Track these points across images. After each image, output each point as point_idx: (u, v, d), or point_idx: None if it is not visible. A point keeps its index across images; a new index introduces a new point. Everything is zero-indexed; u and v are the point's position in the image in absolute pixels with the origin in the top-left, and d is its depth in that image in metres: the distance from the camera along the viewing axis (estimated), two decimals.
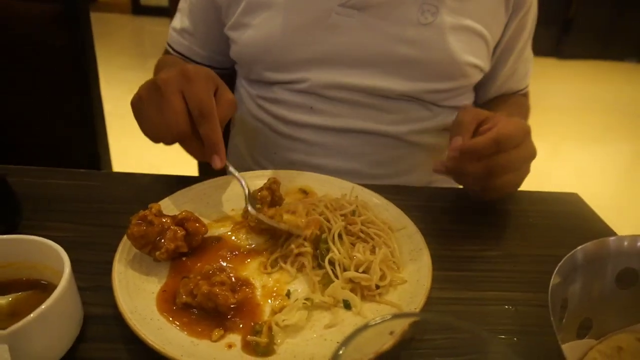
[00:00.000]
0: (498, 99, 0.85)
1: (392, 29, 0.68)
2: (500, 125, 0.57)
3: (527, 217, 0.69)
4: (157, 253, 0.51)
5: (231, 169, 0.60)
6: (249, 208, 0.56)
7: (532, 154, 0.61)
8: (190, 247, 0.54)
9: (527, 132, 0.60)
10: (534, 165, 0.62)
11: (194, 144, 0.56)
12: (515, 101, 0.85)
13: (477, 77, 0.75)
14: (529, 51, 0.82)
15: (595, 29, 4.21)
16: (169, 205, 0.60)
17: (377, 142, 0.75)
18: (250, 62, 0.75)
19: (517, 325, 0.51)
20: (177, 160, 1.10)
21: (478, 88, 0.83)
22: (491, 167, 0.57)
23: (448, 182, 0.74)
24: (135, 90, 0.57)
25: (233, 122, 0.88)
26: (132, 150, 1.72)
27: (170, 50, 0.83)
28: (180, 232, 0.52)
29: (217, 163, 0.55)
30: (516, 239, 0.64)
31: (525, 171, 0.61)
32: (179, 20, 0.81)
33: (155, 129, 0.55)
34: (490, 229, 0.65)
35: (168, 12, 0.81)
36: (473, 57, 0.71)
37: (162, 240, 0.52)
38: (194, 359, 0.41)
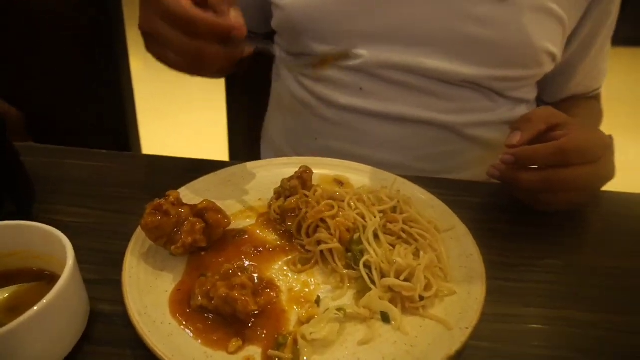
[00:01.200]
0: (571, 101, 0.75)
1: (462, 4, 0.60)
2: (573, 135, 0.50)
3: (603, 221, 0.59)
4: (173, 247, 0.46)
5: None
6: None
7: (607, 175, 0.53)
8: (209, 241, 0.48)
9: (606, 147, 0.52)
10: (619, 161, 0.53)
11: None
12: (590, 106, 0.76)
13: (550, 66, 0.66)
14: (608, 46, 0.73)
15: None
16: (188, 194, 0.54)
17: (430, 133, 0.67)
18: (297, 31, 0.67)
19: (587, 352, 0.42)
20: (208, 145, 1.05)
21: (552, 84, 0.74)
22: (550, 181, 0.50)
23: None
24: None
25: (270, 103, 0.81)
26: (162, 133, 1.69)
27: None
28: (200, 225, 0.47)
29: (238, 32, 0.45)
30: (588, 246, 0.55)
31: (594, 192, 0.54)
32: None
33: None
34: (557, 233, 0.56)
35: None
36: (551, 44, 0.63)
37: (179, 233, 0.46)
38: None
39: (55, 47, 0.81)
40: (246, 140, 0.84)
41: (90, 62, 0.82)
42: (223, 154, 1.00)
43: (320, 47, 0.65)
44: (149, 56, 0.50)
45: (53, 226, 0.41)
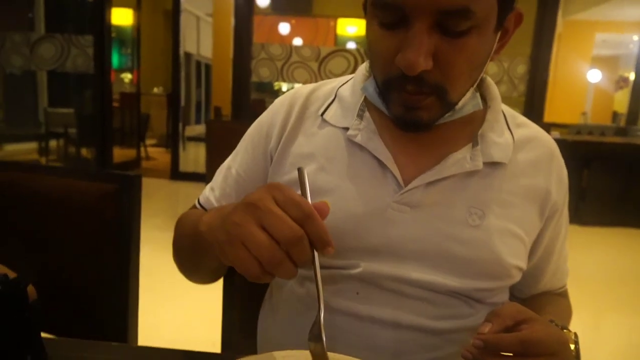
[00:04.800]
0: (542, 298, 0.85)
1: (442, 227, 0.70)
2: (534, 329, 0.58)
3: None
4: None
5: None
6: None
7: None
8: None
9: (562, 344, 0.60)
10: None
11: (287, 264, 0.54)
12: (558, 302, 0.85)
13: (518, 277, 0.76)
14: (566, 250, 0.85)
15: (607, 198, 4.71)
16: None
17: (420, 339, 0.73)
18: None
19: None
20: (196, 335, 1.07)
21: (522, 286, 0.83)
22: None
23: None
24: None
25: (267, 303, 0.87)
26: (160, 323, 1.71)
27: (201, 208, 0.83)
28: None
29: (331, 250, 0.55)
30: None
31: None
32: (216, 185, 0.82)
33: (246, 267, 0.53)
34: None
35: (202, 177, 0.88)
36: (517, 260, 0.73)
37: None
38: None
39: (69, 237, 0.88)
40: (242, 326, 0.93)
41: (100, 259, 0.89)
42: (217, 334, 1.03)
43: (323, 259, 0.69)
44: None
45: None
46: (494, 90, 0.77)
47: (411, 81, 0.61)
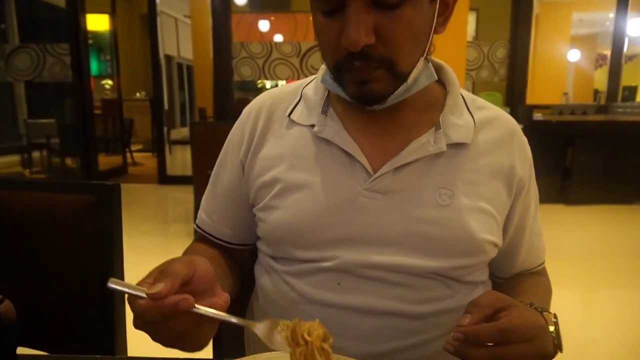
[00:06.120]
0: (521, 280, 0.87)
1: (414, 211, 0.73)
2: (511, 316, 0.60)
3: None
4: None
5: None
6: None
7: (545, 353, 0.61)
8: None
9: (539, 328, 0.61)
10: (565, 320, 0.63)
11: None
12: (537, 281, 0.87)
13: (493, 253, 0.78)
14: (538, 225, 0.86)
15: (592, 176, 4.74)
16: None
17: (401, 325, 0.75)
18: (279, 241, 0.78)
19: None
20: None
21: (500, 264, 0.85)
22: (495, 357, 0.58)
23: None
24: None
25: (252, 297, 0.89)
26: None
27: (199, 230, 0.87)
28: None
29: (186, 303, 0.53)
30: None
31: None
32: (206, 203, 0.86)
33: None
34: None
35: (190, 180, 0.88)
36: (489, 235, 0.75)
37: None
38: None
39: (50, 250, 0.87)
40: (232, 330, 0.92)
41: (83, 271, 0.87)
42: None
43: (301, 253, 0.76)
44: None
45: None
46: (452, 76, 0.80)
47: (357, 58, 0.64)
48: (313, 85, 0.81)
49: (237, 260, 0.88)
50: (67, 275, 0.89)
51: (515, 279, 0.88)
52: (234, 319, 0.56)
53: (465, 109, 0.78)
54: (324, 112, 0.76)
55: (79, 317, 0.89)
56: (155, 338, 0.56)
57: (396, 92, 0.69)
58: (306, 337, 0.57)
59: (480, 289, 0.81)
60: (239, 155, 0.81)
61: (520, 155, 0.80)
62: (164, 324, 0.54)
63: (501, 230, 0.79)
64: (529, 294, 0.80)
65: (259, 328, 0.59)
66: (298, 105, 0.80)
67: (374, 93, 0.68)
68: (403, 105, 0.73)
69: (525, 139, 0.82)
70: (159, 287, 0.52)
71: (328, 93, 0.77)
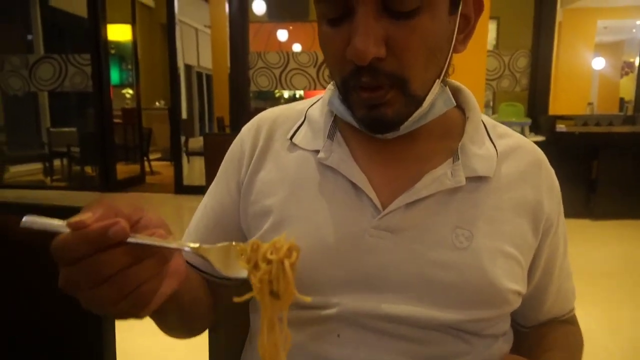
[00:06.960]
0: (547, 330, 0.77)
1: (427, 252, 0.63)
2: None
3: None
4: None
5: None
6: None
7: None
8: None
9: None
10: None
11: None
12: (566, 332, 0.77)
13: (517, 303, 0.68)
14: (567, 266, 0.77)
15: (618, 189, 4.55)
16: None
17: None
18: None
19: None
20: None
21: (526, 312, 0.76)
22: None
23: None
24: None
25: (249, 338, 0.80)
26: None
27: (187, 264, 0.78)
28: None
29: (118, 227, 0.41)
30: None
31: None
32: (193, 227, 0.76)
33: None
34: None
35: (205, 191, 0.83)
36: (513, 283, 0.66)
37: None
38: None
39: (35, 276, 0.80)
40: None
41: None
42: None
43: (298, 300, 0.63)
44: None
45: None
46: (472, 100, 0.71)
47: (365, 73, 0.56)
48: (319, 106, 0.73)
49: (219, 301, 0.77)
50: (54, 299, 0.85)
51: (541, 330, 0.77)
52: (174, 244, 0.46)
53: (487, 137, 0.70)
54: (331, 136, 0.68)
55: (64, 337, 0.84)
56: (90, 296, 0.42)
57: (410, 118, 0.61)
58: (269, 256, 0.51)
59: (501, 342, 0.71)
60: (235, 175, 0.74)
61: (547, 188, 0.71)
62: (95, 265, 0.41)
63: (526, 275, 0.70)
64: (556, 350, 0.72)
65: (212, 253, 0.51)
66: (302, 128, 0.72)
67: (386, 118, 0.60)
68: (417, 133, 0.65)
69: (552, 171, 0.73)
70: (84, 216, 0.40)
71: (336, 115, 0.69)
